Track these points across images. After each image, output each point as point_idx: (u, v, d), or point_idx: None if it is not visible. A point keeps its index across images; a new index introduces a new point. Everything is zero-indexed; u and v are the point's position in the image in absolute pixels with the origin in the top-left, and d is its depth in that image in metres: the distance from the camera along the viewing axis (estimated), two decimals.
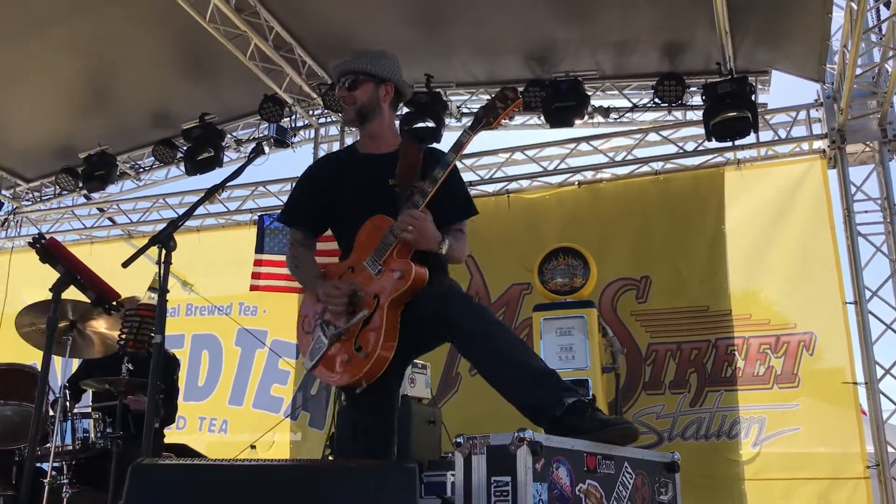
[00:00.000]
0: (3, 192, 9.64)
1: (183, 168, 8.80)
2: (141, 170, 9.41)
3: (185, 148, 8.62)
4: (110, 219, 9.58)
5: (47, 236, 3.33)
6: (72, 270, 3.27)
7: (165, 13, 6.82)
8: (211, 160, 8.36)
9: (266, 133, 7.46)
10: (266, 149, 2.68)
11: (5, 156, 9.25)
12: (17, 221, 9.84)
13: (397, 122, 7.82)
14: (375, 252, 2.80)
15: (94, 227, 9.58)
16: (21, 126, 8.69)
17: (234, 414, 8.52)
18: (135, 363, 4.32)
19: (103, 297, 3.44)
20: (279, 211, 8.52)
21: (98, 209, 9.61)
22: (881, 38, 5.87)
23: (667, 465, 2.53)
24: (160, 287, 2.51)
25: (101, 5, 6.80)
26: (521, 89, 7.56)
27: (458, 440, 2.13)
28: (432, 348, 3.18)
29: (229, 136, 8.86)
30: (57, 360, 5.28)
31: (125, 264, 2.61)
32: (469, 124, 2.84)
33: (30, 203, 9.91)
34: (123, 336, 3.91)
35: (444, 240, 2.82)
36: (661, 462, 2.53)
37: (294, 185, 3.25)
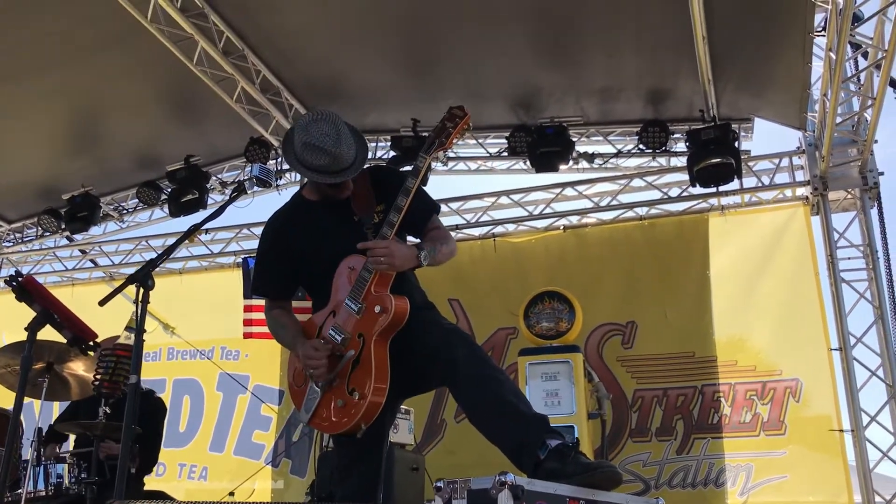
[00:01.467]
0: None
1: (167, 210, 8.75)
2: (124, 212, 9.37)
3: (169, 190, 8.60)
4: (92, 261, 9.50)
5: (24, 273, 3.27)
6: (48, 309, 3.21)
7: (153, 57, 6.86)
8: (195, 202, 8.34)
9: (250, 173, 7.46)
10: (248, 188, 2.66)
11: None
12: None
13: (385, 162, 7.88)
14: (353, 291, 2.77)
15: (76, 269, 9.48)
16: (4, 167, 8.64)
17: (215, 461, 8.36)
18: (114, 406, 4.23)
19: (80, 337, 3.37)
20: None
21: (80, 251, 9.53)
22: (860, 88, 5.96)
23: None
24: (137, 326, 2.46)
25: (88, 53, 6.85)
26: (506, 134, 7.63)
27: (439, 484, 2.08)
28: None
29: (214, 177, 8.85)
30: (36, 404, 5.18)
31: (102, 303, 2.57)
32: (423, 148, 2.82)
33: (11, 244, 9.82)
34: (98, 376, 3.82)
35: (420, 252, 2.80)
36: None
37: (257, 255, 3.16)
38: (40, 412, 4.52)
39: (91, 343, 3.45)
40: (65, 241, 9.52)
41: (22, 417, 4.55)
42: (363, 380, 2.66)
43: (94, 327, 3.83)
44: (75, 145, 8.39)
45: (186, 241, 8.95)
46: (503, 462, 7.09)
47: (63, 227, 9.01)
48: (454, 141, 2.81)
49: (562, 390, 5.68)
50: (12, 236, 9.83)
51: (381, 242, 2.73)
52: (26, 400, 4.88)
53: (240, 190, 3.01)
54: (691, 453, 6.62)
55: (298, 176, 8.77)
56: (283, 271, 3.03)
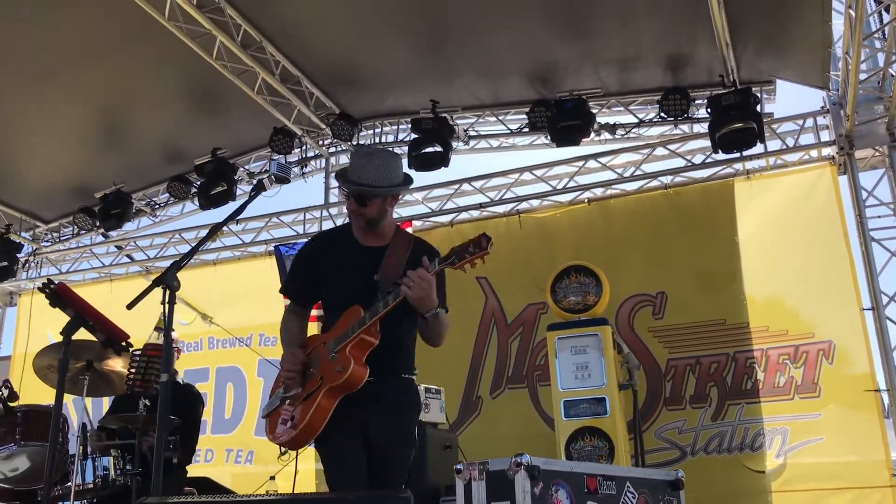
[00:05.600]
0: (23, 233, 9.81)
1: (197, 203, 8.90)
2: (156, 206, 9.55)
3: (198, 183, 8.74)
4: (128, 256, 9.71)
5: (56, 281, 3.40)
6: (81, 313, 3.34)
7: (173, 53, 6.97)
8: (224, 194, 8.47)
9: (268, 170, 7.63)
10: (267, 184, 2.76)
11: (24, 198, 9.44)
12: (38, 262, 10.00)
13: (406, 148, 7.92)
14: (337, 338, 3.00)
15: (113, 265, 9.70)
16: (38, 169, 8.88)
17: (260, 445, 8.54)
18: (154, 399, 4.36)
19: (112, 339, 3.51)
20: (294, 241, 8.65)
21: (116, 247, 9.74)
22: (885, 43, 5.85)
23: (671, 483, 2.53)
24: (165, 327, 2.57)
25: (110, 52, 6.99)
26: (526, 110, 7.63)
27: (458, 467, 2.16)
28: None
29: (242, 169, 8.98)
30: (87, 401, 5.36)
31: (130, 306, 2.68)
32: (441, 258, 2.96)
33: (49, 244, 10.07)
34: (131, 376, 3.96)
35: (439, 307, 3.00)
36: (665, 480, 2.53)
37: (293, 259, 3.52)
38: (82, 408, 4.68)
39: (123, 343, 3.59)
40: (100, 239, 9.73)
41: (68, 414, 4.75)
42: (301, 416, 2.93)
43: (132, 321, 3.94)
44: (104, 144, 8.57)
45: (218, 234, 9.20)
46: (540, 433, 7.12)
47: (98, 224, 9.21)
48: (466, 266, 2.93)
49: (591, 363, 5.70)
50: (50, 236, 10.08)
51: (424, 275, 2.89)
52: (71, 397, 5.09)
53: (259, 188, 3.10)
54: (726, 419, 6.63)
55: (323, 163, 8.91)
56: (306, 281, 3.30)
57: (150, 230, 9.69)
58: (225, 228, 9.08)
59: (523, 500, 1.98)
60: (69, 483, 4.23)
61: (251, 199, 3.13)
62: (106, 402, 8.16)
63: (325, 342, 3.09)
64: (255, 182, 8.32)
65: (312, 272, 3.27)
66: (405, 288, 2.86)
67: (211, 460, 8.52)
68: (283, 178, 2.74)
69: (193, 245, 3.26)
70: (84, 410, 4.45)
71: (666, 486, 2.51)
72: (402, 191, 3.26)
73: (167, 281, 2.60)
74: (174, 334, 5.40)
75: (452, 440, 5.13)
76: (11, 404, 4.33)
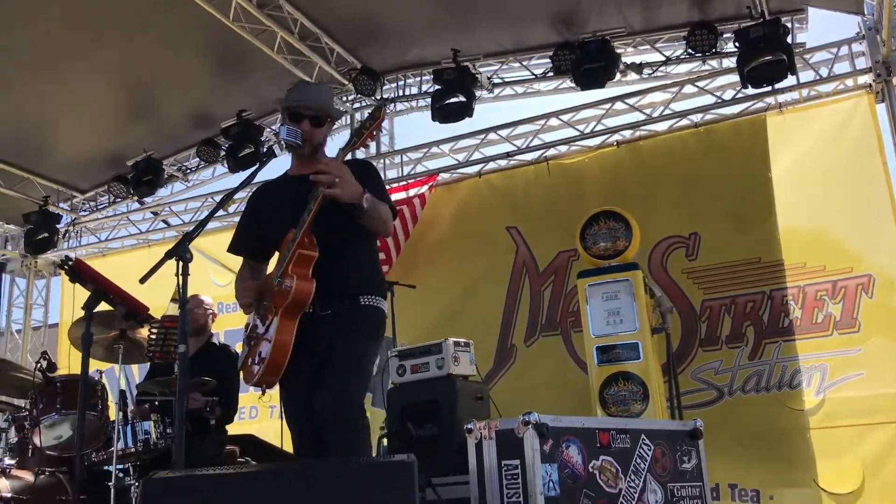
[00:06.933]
0: (62, 204, 9.99)
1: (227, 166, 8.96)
2: (188, 171, 9.64)
3: (227, 146, 8.78)
4: (164, 221, 9.84)
5: (73, 258, 3.47)
6: (100, 288, 3.41)
7: (193, 19, 6.95)
8: (252, 155, 8.48)
9: (277, 136, 7.62)
10: (277, 151, 2.78)
11: (60, 170, 9.58)
12: (77, 232, 10.20)
13: (429, 100, 7.83)
14: (277, 264, 3.02)
15: (150, 231, 9.85)
16: (72, 141, 9.00)
17: None
18: (189, 362, 4.45)
19: (133, 311, 3.59)
20: None
21: (152, 213, 9.88)
22: None
23: (689, 433, 2.51)
24: (180, 298, 2.60)
25: (134, 25, 7.06)
26: (549, 54, 7.47)
27: (469, 426, 2.17)
28: None
29: (267, 129, 8.97)
30: (116, 368, 5.48)
31: (142, 280, 2.72)
32: (343, 145, 3.05)
33: (87, 213, 10.24)
34: (151, 347, 4.05)
35: (366, 193, 2.95)
36: (683, 431, 2.51)
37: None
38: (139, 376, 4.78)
39: (143, 315, 3.67)
40: (136, 206, 9.87)
41: (107, 382, 4.89)
42: (265, 348, 2.94)
43: (167, 287, 4.01)
44: (133, 113, 8.62)
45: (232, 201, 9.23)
46: (575, 379, 7.10)
47: (131, 191, 9.33)
48: (367, 141, 3.01)
49: (623, 308, 5.67)
50: (87, 205, 10.25)
51: (334, 166, 2.90)
52: (109, 365, 5.23)
53: (269, 154, 3.10)
54: (763, 358, 6.55)
55: (348, 119, 8.82)
56: (251, 234, 3.35)
57: (184, 195, 9.79)
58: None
59: (532, 458, 1.98)
60: (112, 448, 4.36)
61: (262, 165, 3.14)
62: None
63: (273, 276, 3.11)
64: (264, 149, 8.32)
65: (255, 224, 3.32)
66: (322, 188, 2.86)
67: (256, 417, 8.71)
68: (293, 144, 2.73)
69: (217, 210, 3.28)
70: (125, 377, 4.56)
71: (684, 437, 2.49)
72: (337, 116, 3.41)
73: (180, 253, 2.62)
74: (208, 299, 5.53)
75: (484, 391, 5.16)
76: (51, 375, 4.46)
